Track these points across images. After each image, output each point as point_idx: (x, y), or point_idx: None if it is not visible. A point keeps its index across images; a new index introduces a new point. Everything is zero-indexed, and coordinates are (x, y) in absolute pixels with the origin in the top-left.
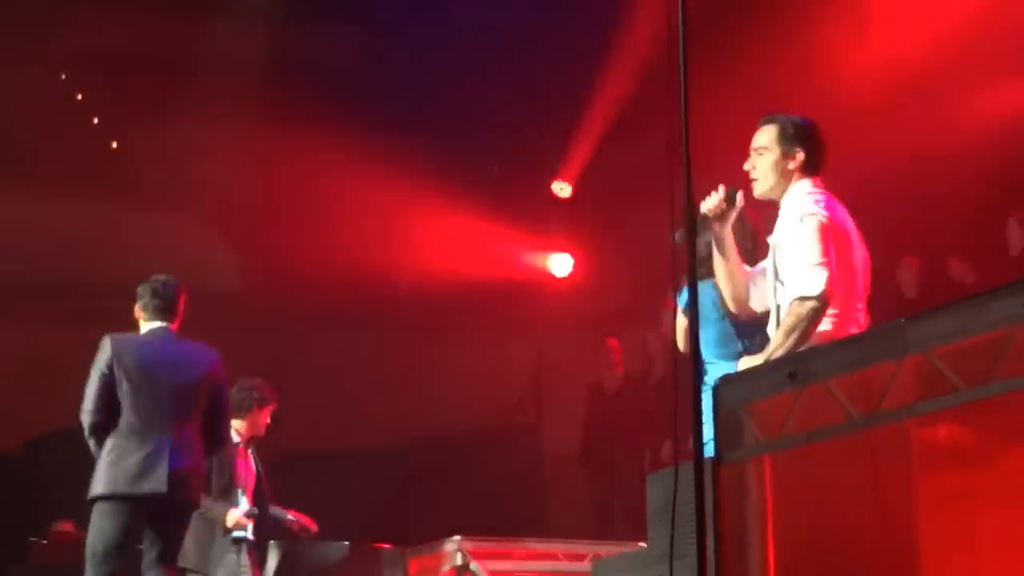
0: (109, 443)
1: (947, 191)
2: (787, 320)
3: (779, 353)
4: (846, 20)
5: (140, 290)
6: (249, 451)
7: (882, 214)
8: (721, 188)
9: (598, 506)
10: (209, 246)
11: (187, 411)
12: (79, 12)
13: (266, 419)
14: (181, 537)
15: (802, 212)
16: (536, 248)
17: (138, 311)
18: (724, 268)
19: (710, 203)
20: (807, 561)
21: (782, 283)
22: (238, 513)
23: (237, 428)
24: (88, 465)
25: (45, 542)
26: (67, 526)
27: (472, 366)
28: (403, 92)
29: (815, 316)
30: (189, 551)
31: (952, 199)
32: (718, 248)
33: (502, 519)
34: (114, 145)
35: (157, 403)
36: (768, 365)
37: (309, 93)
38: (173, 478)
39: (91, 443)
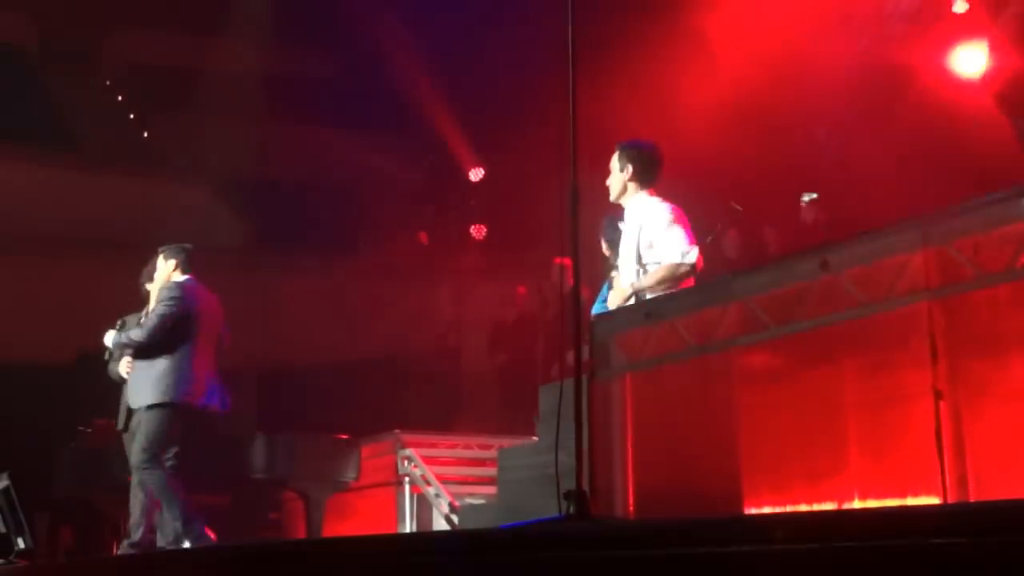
0: None
1: (760, 176)
2: (661, 272)
3: (646, 286)
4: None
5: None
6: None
7: (713, 194)
8: None
9: (503, 409)
10: (216, 211)
11: None
12: (119, 38)
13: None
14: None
15: (661, 209)
16: (459, 218)
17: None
18: None
19: None
20: (656, 451)
21: (650, 249)
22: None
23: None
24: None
25: (90, 431)
26: (104, 421)
27: (410, 305)
28: (362, 96)
29: (683, 278)
30: None
31: (765, 181)
32: None
33: (431, 418)
34: (145, 134)
35: None
36: (629, 308)
37: (293, 95)
38: None
39: None
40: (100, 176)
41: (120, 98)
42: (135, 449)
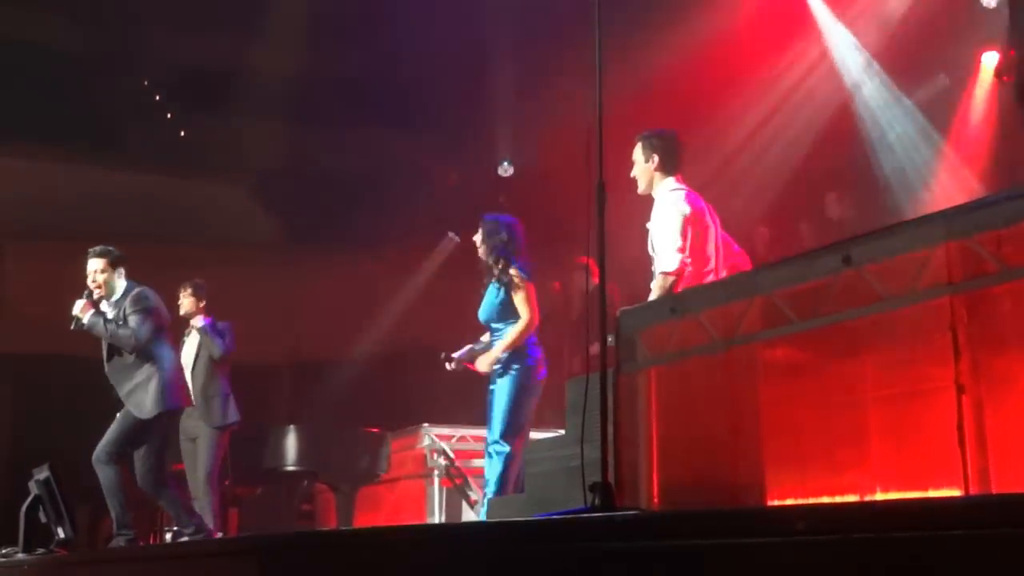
0: None
1: (792, 175)
2: (654, 289)
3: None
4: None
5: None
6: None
7: (742, 192)
8: None
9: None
10: (252, 208)
11: None
12: (157, 38)
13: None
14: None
15: (668, 205)
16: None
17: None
18: None
19: None
20: (680, 444)
21: (654, 258)
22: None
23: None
24: None
25: None
26: None
27: (440, 300)
28: (391, 94)
29: (672, 286)
30: None
31: (794, 179)
32: None
33: (460, 412)
34: (182, 133)
35: None
36: (655, 302)
37: (328, 95)
38: None
39: None
40: (137, 173)
41: (157, 97)
42: (103, 441)
